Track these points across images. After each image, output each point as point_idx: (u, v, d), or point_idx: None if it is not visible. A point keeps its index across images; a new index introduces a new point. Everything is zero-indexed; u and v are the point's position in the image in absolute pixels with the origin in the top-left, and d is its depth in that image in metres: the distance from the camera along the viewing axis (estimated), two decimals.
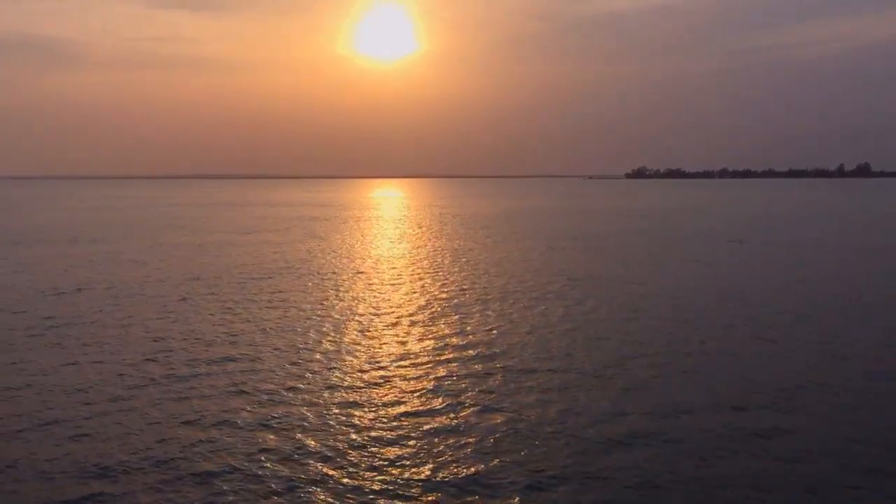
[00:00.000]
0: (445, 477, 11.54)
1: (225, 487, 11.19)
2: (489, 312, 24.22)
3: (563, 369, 17.33)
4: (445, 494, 11.01)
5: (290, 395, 15.49)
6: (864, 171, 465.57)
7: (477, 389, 15.76)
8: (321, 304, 26.13)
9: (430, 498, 10.92)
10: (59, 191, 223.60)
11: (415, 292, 28.57)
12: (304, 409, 14.55)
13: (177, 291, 28.80)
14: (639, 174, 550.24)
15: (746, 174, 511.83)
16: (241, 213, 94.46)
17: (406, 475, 11.61)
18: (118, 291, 28.77)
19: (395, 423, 13.80)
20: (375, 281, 31.77)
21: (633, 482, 11.38)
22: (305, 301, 26.61)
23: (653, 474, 11.62)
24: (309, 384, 16.23)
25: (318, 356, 18.62)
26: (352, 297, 27.61)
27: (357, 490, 11.14)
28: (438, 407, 14.68)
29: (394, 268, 36.41)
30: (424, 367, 17.60)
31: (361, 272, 34.81)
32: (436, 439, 13.00)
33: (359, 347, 19.54)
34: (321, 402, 15.05)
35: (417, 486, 11.27)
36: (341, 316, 23.81)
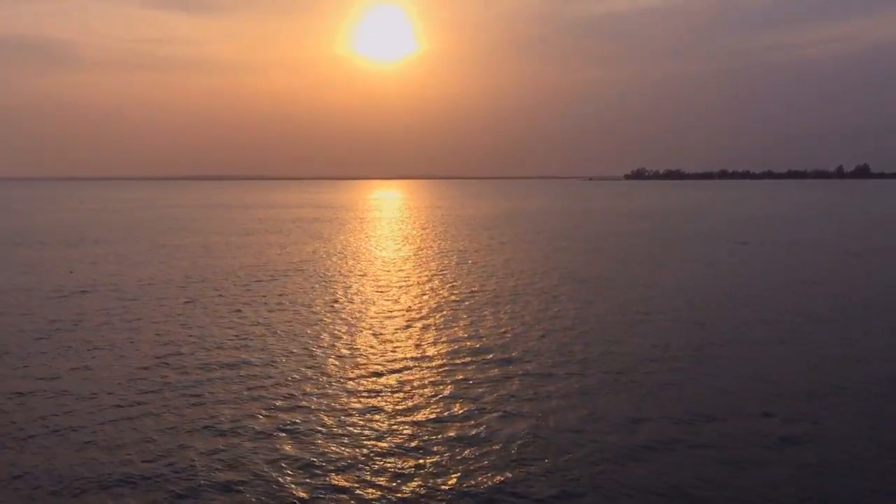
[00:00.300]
0: (471, 486, 11.31)
1: (247, 496, 10.97)
2: (501, 315, 24.00)
3: (582, 373, 17.11)
4: None
5: (307, 400, 15.25)
6: (863, 173, 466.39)
7: (496, 394, 15.54)
8: (331, 306, 25.91)
9: None
10: (58, 192, 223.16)
11: (424, 294, 28.35)
12: (322, 416, 14.32)
13: (183, 293, 28.56)
14: (638, 175, 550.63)
15: (745, 175, 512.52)
16: (242, 214, 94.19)
17: (431, 483, 11.39)
18: (124, 293, 28.52)
19: (416, 430, 13.57)
20: (384, 283, 31.55)
21: (662, 490, 11.17)
22: (315, 303, 26.39)
23: (682, 482, 11.41)
24: (325, 389, 16.00)
25: (332, 360, 18.39)
26: (362, 299, 27.39)
27: (382, 500, 10.92)
28: (458, 413, 14.46)
29: (401, 270, 36.19)
30: (441, 371, 17.38)
31: (369, 274, 34.59)
32: (458, 447, 12.78)
33: (374, 351, 19.31)
34: (339, 407, 14.82)
35: (443, 495, 11.04)
36: (353, 318, 23.58)
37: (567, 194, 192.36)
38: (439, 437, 13.22)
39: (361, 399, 15.34)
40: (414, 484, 11.39)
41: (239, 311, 24.95)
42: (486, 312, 24.45)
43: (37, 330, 21.82)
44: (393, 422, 14.00)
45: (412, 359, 18.47)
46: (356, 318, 23.72)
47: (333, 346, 19.88)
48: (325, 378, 16.81)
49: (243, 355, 18.81)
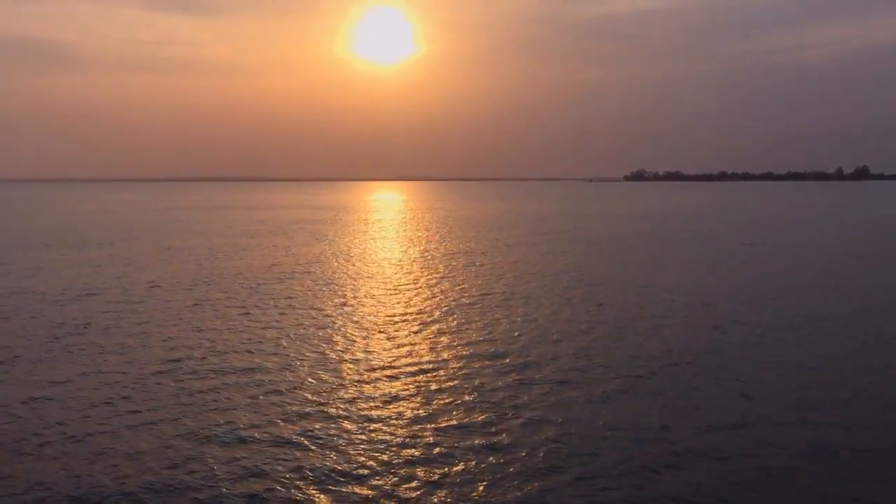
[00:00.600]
0: (499, 496, 11.07)
1: None
2: (515, 318, 23.76)
3: (602, 378, 16.87)
4: None
5: (326, 405, 15.00)
6: (862, 174, 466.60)
7: (516, 401, 15.28)
8: (342, 308, 25.67)
9: None
10: (58, 194, 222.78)
11: (435, 297, 28.10)
12: (342, 421, 14.07)
13: (190, 296, 28.31)
14: (638, 177, 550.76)
15: (745, 177, 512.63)
16: (244, 216, 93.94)
17: (458, 493, 11.14)
18: (131, 296, 28.27)
19: (438, 437, 13.32)
20: (393, 285, 31.30)
21: (694, 498, 10.94)
22: (325, 305, 26.14)
23: (713, 490, 11.18)
24: (342, 394, 15.75)
25: (347, 364, 18.14)
26: (372, 301, 27.15)
27: None
28: (478, 420, 14.20)
29: (409, 272, 35.95)
30: (458, 375, 17.13)
31: (377, 276, 34.35)
32: (480, 455, 12.52)
33: (389, 354, 19.05)
34: (358, 413, 14.58)
35: None
36: (365, 321, 23.34)
37: (568, 196, 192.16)
38: (462, 444, 12.97)
39: (380, 404, 15.10)
40: (441, 493, 11.14)
41: (248, 313, 24.71)
42: (498, 315, 24.22)
43: (46, 333, 21.57)
44: (414, 428, 13.76)
45: (428, 362, 18.23)
46: (368, 320, 23.48)
47: (347, 349, 19.64)
48: (341, 383, 16.57)
49: (257, 359, 18.56)
